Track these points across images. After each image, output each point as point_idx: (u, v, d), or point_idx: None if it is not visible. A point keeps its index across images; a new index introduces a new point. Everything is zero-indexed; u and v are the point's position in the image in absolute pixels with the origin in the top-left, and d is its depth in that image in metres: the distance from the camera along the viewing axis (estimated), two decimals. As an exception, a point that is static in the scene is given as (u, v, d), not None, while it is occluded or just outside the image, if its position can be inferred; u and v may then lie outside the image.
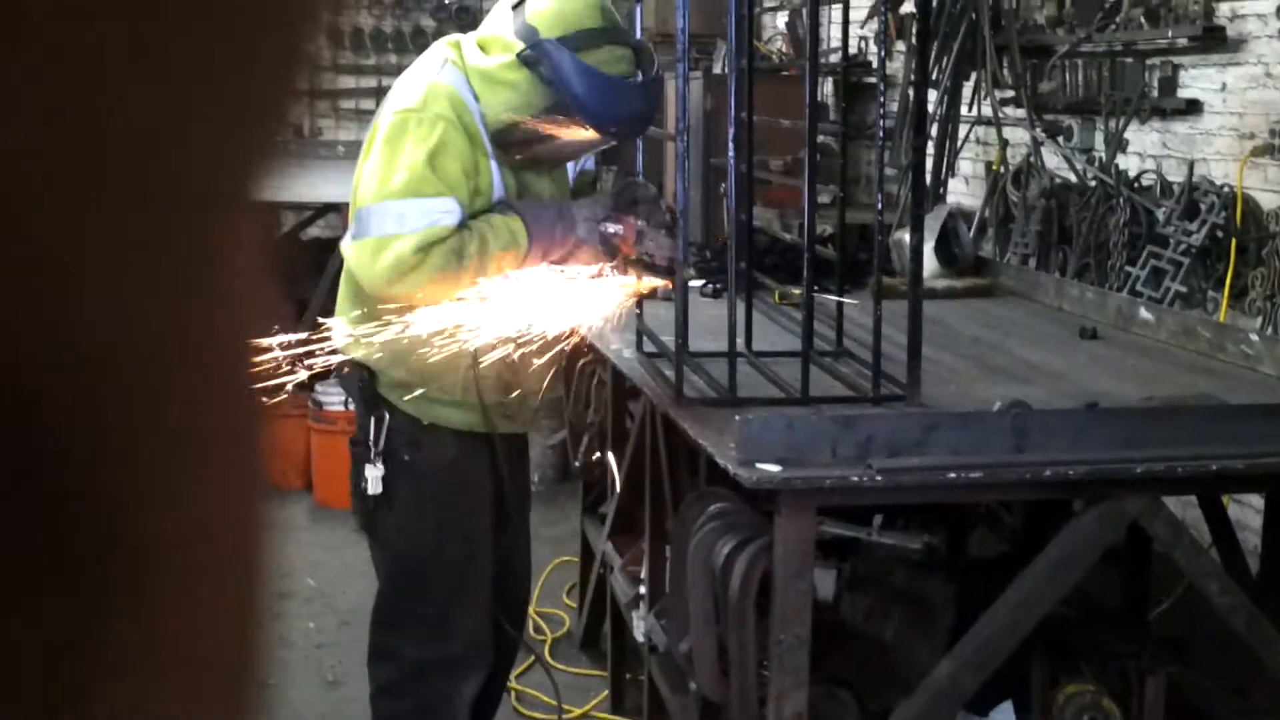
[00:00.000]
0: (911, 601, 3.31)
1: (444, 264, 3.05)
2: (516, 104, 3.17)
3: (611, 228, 3.25)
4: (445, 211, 3.08)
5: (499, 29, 3.24)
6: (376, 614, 3.53)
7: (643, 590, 4.07)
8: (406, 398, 3.29)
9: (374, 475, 3.32)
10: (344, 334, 3.25)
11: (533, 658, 5.12)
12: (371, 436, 3.32)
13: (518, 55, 3.15)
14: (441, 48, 3.32)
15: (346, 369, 3.37)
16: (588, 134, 3.20)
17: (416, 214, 3.05)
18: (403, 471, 3.35)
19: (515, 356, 3.16)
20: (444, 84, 3.17)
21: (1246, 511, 5.22)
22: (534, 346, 3.14)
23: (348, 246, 3.17)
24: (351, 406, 3.49)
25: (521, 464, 3.73)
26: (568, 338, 3.22)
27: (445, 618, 3.42)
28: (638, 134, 3.39)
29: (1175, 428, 2.81)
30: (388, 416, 3.31)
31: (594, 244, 3.25)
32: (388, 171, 3.09)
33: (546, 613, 5.53)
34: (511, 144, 3.24)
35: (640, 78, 3.20)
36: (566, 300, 3.20)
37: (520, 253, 3.16)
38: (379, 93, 12.13)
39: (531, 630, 5.34)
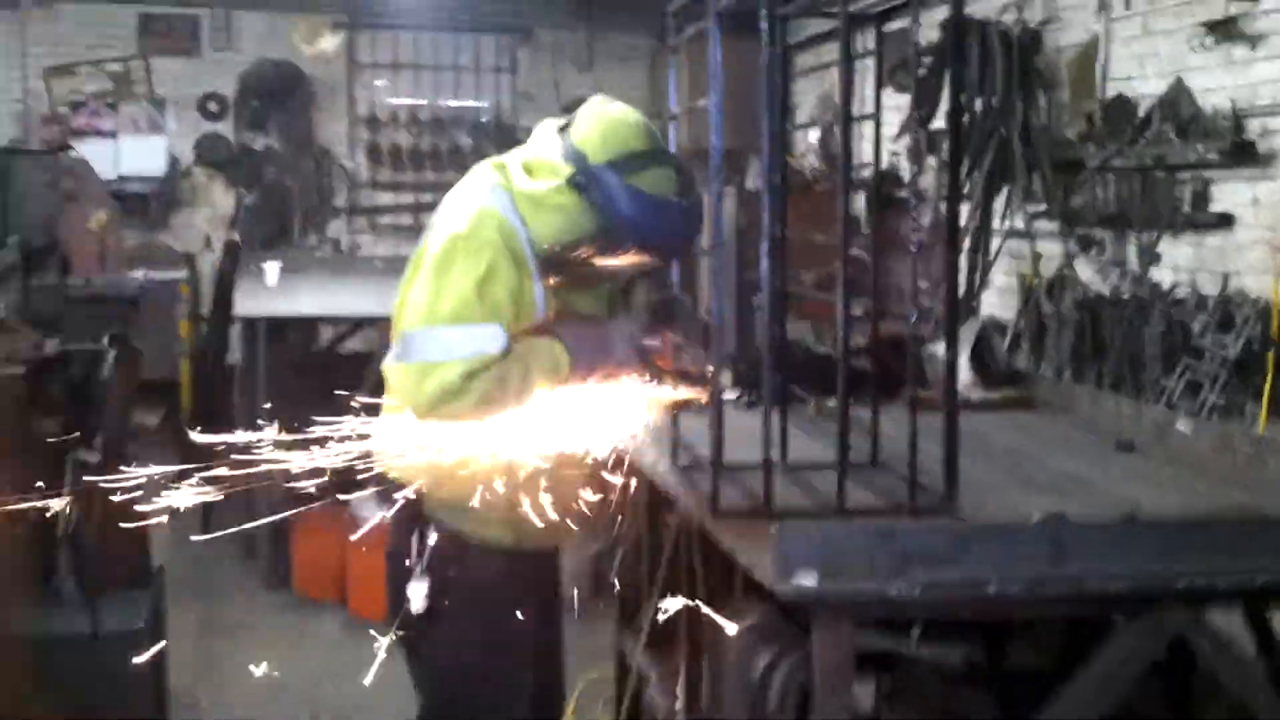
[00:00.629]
0: (951, 716, 3.27)
1: (488, 391, 3.06)
2: (565, 228, 3.18)
3: (649, 343, 3.27)
4: (491, 338, 3.09)
5: (545, 152, 3.25)
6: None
7: (679, 705, 4.03)
8: (449, 518, 3.27)
9: (417, 593, 3.29)
10: (387, 454, 3.25)
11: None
12: (415, 553, 3.29)
13: (567, 180, 3.16)
14: (487, 170, 3.32)
15: (387, 486, 3.36)
16: (633, 256, 3.22)
17: (463, 341, 3.06)
18: (447, 589, 3.31)
19: (555, 473, 3.16)
20: (492, 208, 3.18)
21: (1290, 626, 5.14)
22: (574, 463, 3.15)
23: (391, 368, 3.17)
24: (388, 519, 3.47)
25: (555, 576, 3.71)
26: (611, 461, 3.21)
27: None
28: (683, 254, 3.41)
29: (1216, 540, 2.78)
30: (432, 533, 3.28)
31: (633, 362, 3.26)
32: (435, 297, 3.10)
33: (581, 728, 5.47)
34: (557, 266, 3.24)
35: (683, 198, 3.22)
36: (605, 416, 3.21)
37: (562, 376, 3.18)
38: (416, 209, 12.29)
39: (566, 746, 5.28)
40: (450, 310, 3.08)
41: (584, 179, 3.15)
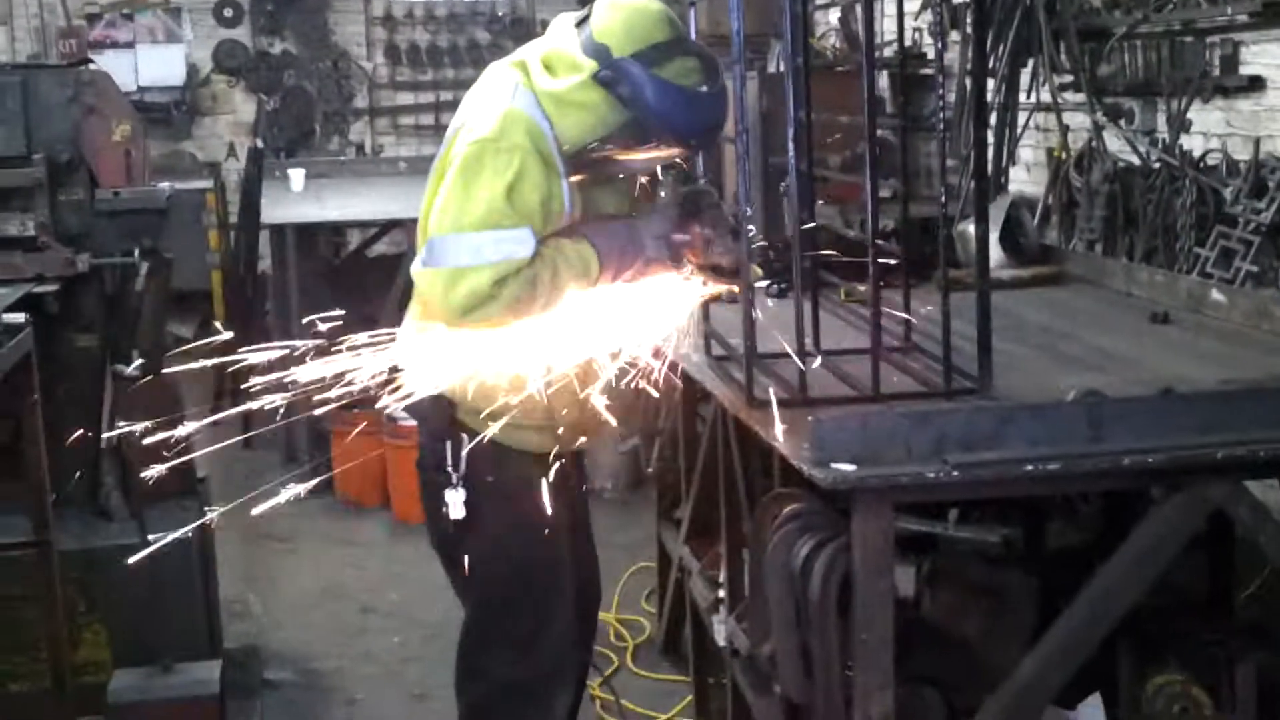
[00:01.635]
0: (992, 597, 3.30)
1: (518, 295, 3.05)
2: (592, 124, 3.13)
3: (678, 237, 3.25)
4: (520, 243, 3.06)
5: (564, 46, 3.19)
6: (466, 636, 3.51)
7: (722, 594, 4.07)
8: (484, 425, 3.27)
9: (455, 500, 3.28)
10: (418, 363, 3.26)
11: (616, 664, 5.14)
12: (450, 461, 3.29)
13: (593, 76, 3.11)
14: (507, 69, 3.26)
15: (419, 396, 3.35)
16: (661, 149, 3.18)
17: (493, 246, 3.03)
18: (486, 494, 3.31)
19: (587, 373, 3.17)
20: (519, 110, 3.12)
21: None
22: (610, 364, 3.15)
23: (419, 273, 3.15)
24: (421, 427, 3.48)
25: (581, 473, 3.73)
26: (646, 363, 3.21)
27: (534, 637, 3.41)
28: (712, 144, 3.37)
29: (1255, 410, 2.78)
30: (465, 439, 3.27)
31: (663, 259, 3.24)
32: (464, 202, 3.06)
33: (627, 619, 5.54)
34: (584, 164, 3.20)
35: (708, 87, 3.16)
36: (640, 313, 3.20)
37: (592, 278, 3.16)
38: (437, 108, 12.22)
39: (612, 637, 5.35)
40: (480, 216, 3.04)
41: (609, 73, 3.09)
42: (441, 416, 3.31)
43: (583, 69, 3.13)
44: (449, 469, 3.29)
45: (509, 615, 3.41)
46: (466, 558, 3.39)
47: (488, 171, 3.07)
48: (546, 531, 3.38)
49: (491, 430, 3.19)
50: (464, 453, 3.27)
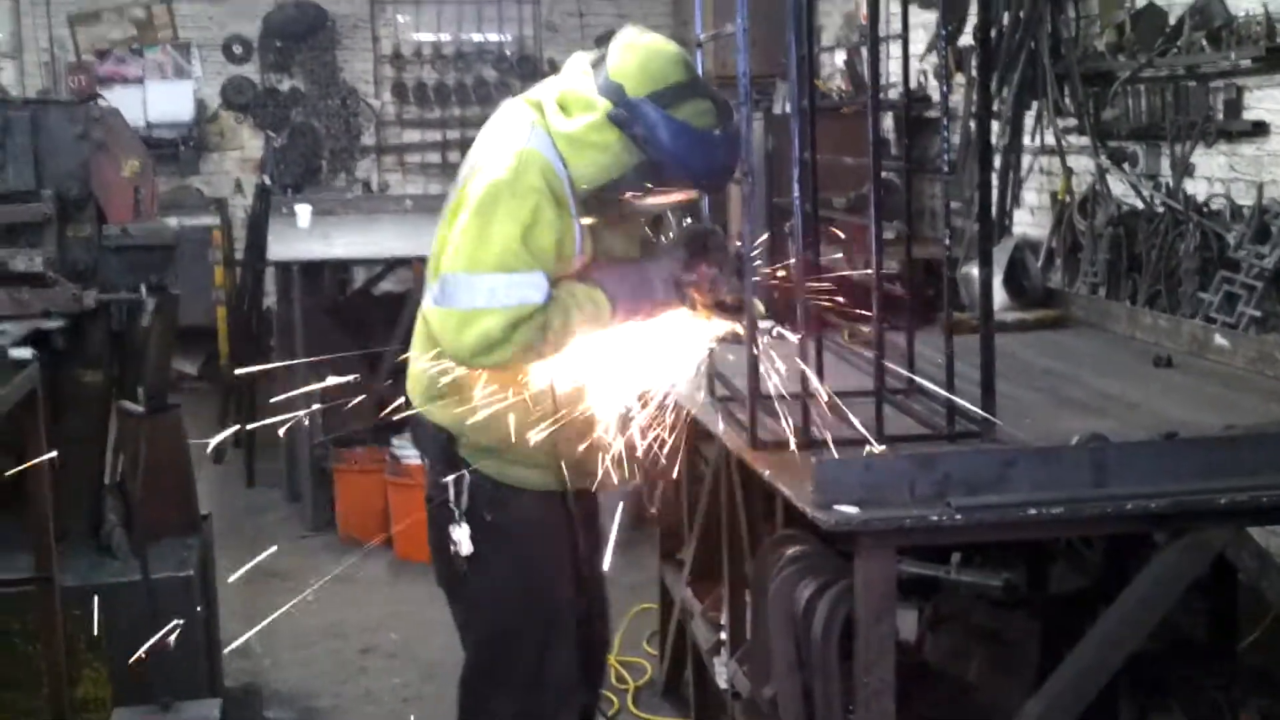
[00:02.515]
0: (995, 640, 3.29)
1: (530, 340, 3.05)
2: (606, 165, 3.14)
3: (686, 278, 3.26)
4: (534, 287, 3.06)
5: (579, 86, 3.19)
6: (468, 674, 3.51)
7: (724, 636, 4.06)
8: (485, 462, 3.29)
9: (462, 536, 3.29)
10: (423, 399, 3.28)
11: (617, 706, 5.12)
12: (453, 497, 3.30)
13: (609, 116, 3.12)
14: (523, 107, 3.26)
15: (423, 429, 3.38)
16: (673, 190, 3.19)
17: (506, 289, 3.03)
18: (487, 531, 3.32)
19: (590, 413, 3.18)
20: (534, 150, 3.12)
21: (1333, 536, 5.14)
22: (615, 406, 3.16)
23: (431, 311, 3.15)
24: (426, 463, 3.49)
25: (594, 514, 3.73)
26: (657, 403, 3.23)
27: (537, 676, 3.41)
28: (724, 186, 3.38)
29: (1258, 456, 2.78)
30: (468, 476, 3.29)
31: (672, 300, 3.25)
32: (480, 243, 3.06)
33: (628, 661, 5.52)
34: (596, 205, 3.21)
35: (721, 129, 3.17)
36: (649, 355, 3.21)
37: (604, 322, 3.16)
38: (444, 146, 12.27)
39: (614, 679, 5.33)
40: (495, 258, 3.04)
41: (624, 112, 3.10)
42: (447, 451, 3.32)
43: (597, 108, 3.13)
44: (452, 505, 3.29)
45: (511, 654, 3.40)
46: (469, 595, 3.39)
47: (503, 213, 3.06)
48: (549, 569, 3.38)
49: (486, 465, 3.21)
50: (465, 488, 3.27)
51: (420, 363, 3.35)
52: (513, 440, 3.17)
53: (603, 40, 3.35)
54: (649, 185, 3.16)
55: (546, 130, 3.17)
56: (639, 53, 3.17)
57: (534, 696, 3.41)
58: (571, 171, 3.15)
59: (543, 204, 3.08)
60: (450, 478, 3.32)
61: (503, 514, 3.32)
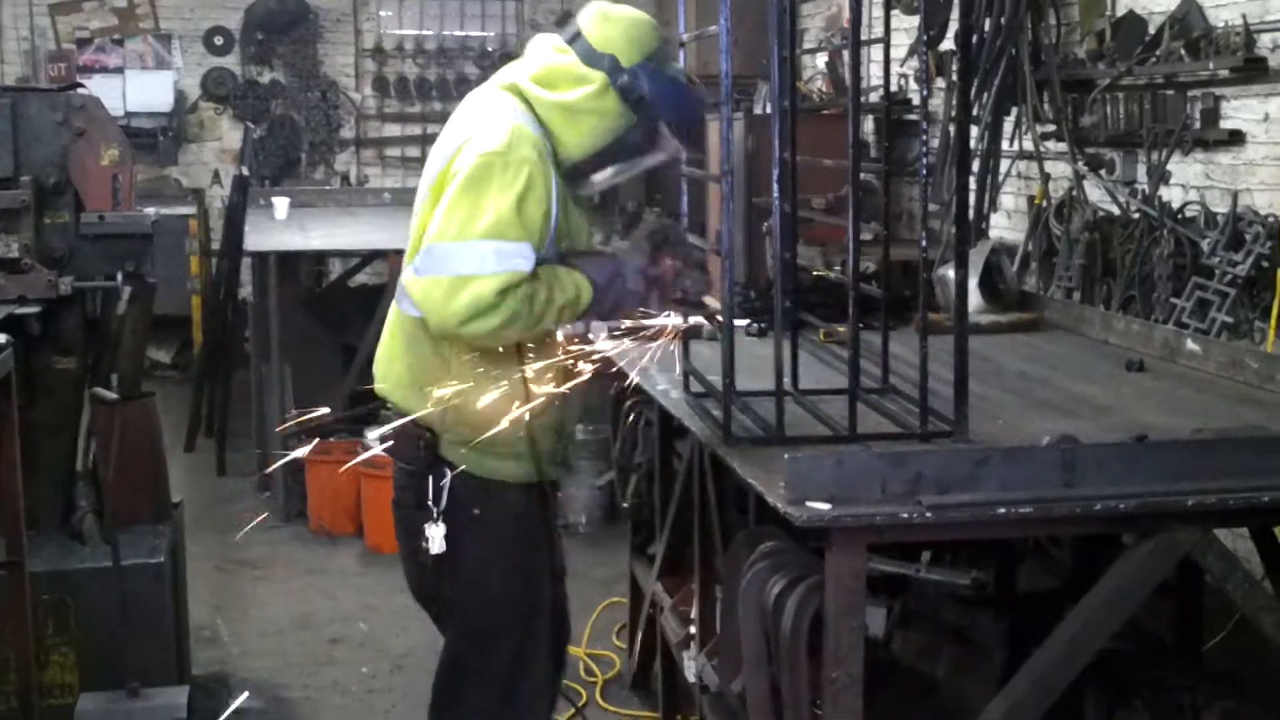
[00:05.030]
0: (962, 638, 3.31)
1: (517, 310, 3.05)
2: (604, 130, 3.21)
3: (652, 271, 3.28)
4: (523, 257, 3.08)
5: (560, 62, 3.26)
6: (444, 668, 3.48)
7: (693, 630, 4.08)
8: (467, 455, 3.27)
9: (436, 534, 3.26)
10: (403, 392, 3.27)
11: (585, 698, 5.13)
12: (431, 496, 3.27)
13: (611, 84, 3.20)
14: (498, 92, 3.31)
15: (402, 432, 3.34)
16: (653, 153, 3.31)
17: (497, 257, 3.04)
18: (469, 527, 3.30)
19: (561, 401, 3.19)
20: (524, 126, 3.17)
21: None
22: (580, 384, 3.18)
23: (414, 280, 3.14)
24: (400, 468, 3.42)
25: (554, 507, 3.74)
26: (608, 370, 3.25)
27: (515, 669, 3.41)
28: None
29: (1226, 460, 2.80)
30: (448, 474, 3.27)
31: (643, 293, 3.28)
32: (471, 211, 3.07)
33: (597, 654, 5.53)
34: (577, 177, 3.28)
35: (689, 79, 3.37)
36: (612, 343, 3.23)
37: (582, 306, 3.19)
38: (424, 140, 12.25)
39: (582, 672, 5.35)
40: (487, 226, 3.05)
41: (627, 79, 3.20)
42: (423, 452, 3.31)
43: (592, 79, 3.21)
44: (430, 504, 3.27)
45: (488, 648, 3.40)
46: (448, 592, 3.38)
47: (496, 183, 3.08)
48: (529, 563, 3.39)
49: (468, 458, 3.21)
50: (445, 486, 3.26)
51: (400, 359, 3.35)
52: (492, 429, 3.17)
53: (563, 21, 3.39)
54: (634, 147, 3.26)
55: (530, 108, 3.22)
56: (621, 24, 3.27)
57: (508, 693, 3.41)
58: (563, 141, 3.21)
59: (535, 176, 3.11)
60: (429, 477, 3.28)
61: (487, 508, 3.31)
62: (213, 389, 8.91)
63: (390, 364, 3.39)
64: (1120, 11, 6.66)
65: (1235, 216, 5.75)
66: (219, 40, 12.12)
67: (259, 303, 8.17)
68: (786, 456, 2.74)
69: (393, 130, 12.52)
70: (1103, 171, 6.68)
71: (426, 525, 3.28)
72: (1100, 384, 3.85)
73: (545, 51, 3.32)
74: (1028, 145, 7.09)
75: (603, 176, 3.33)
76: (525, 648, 3.42)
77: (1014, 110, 7.10)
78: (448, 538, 3.28)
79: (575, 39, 3.27)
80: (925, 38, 4.86)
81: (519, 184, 3.09)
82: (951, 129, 6.83)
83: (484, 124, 3.20)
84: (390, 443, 3.38)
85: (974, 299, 4.73)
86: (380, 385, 3.42)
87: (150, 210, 4.87)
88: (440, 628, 3.53)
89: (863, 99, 3.31)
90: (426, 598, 3.50)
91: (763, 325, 4.30)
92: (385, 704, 5.23)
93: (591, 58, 3.22)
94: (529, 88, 3.25)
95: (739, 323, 3.75)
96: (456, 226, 3.07)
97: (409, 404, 3.31)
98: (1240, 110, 5.90)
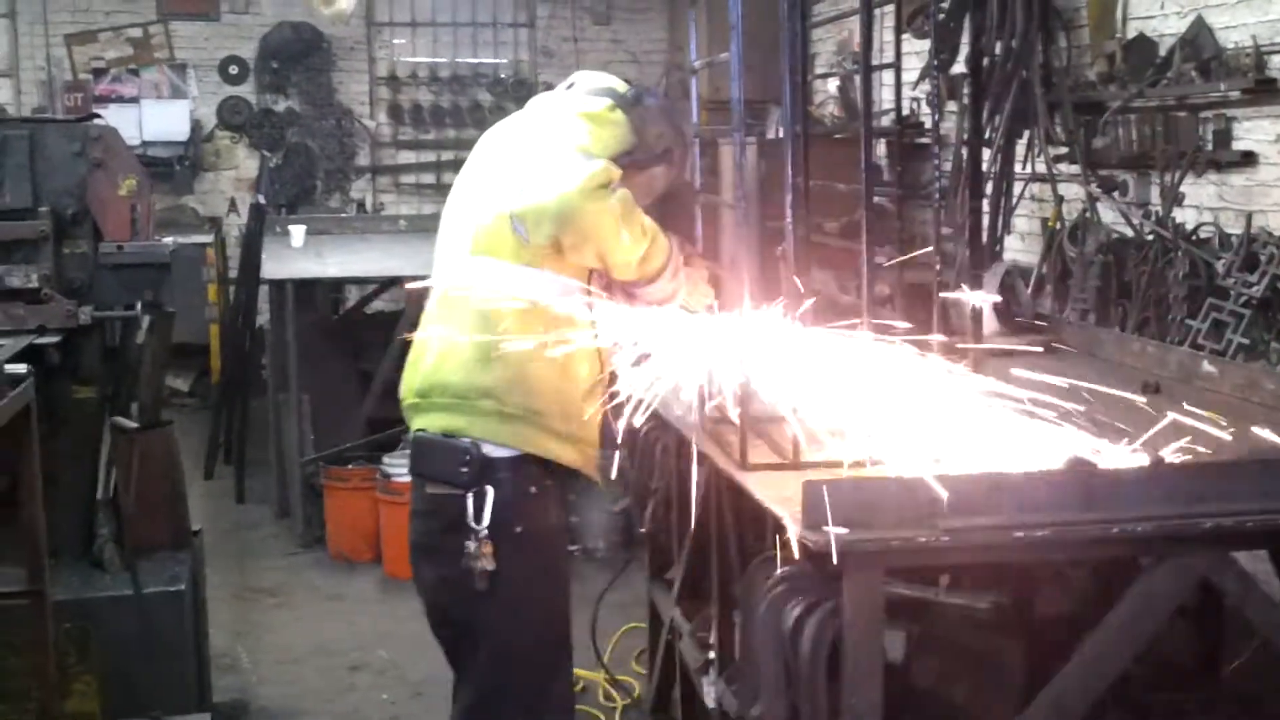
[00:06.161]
0: (981, 662, 3.30)
1: (629, 207, 3.24)
2: (620, 139, 3.40)
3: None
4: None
5: (571, 103, 3.46)
6: (477, 695, 3.44)
7: (712, 655, 4.07)
8: (523, 431, 3.30)
9: (486, 552, 3.25)
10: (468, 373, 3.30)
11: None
12: (471, 514, 3.27)
13: (619, 101, 3.42)
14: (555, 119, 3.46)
15: (440, 446, 3.34)
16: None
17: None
18: (514, 545, 3.29)
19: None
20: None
21: (1319, 563, 5.16)
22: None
23: (520, 210, 3.23)
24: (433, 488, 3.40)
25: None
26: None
27: (546, 686, 3.42)
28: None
29: (1243, 482, 2.80)
30: (490, 491, 3.29)
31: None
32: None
33: (617, 680, 5.53)
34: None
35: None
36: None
37: (704, 303, 3.42)
38: (438, 167, 12.31)
39: (601, 697, 5.35)
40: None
41: (636, 91, 3.47)
42: (466, 466, 3.30)
43: (596, 102, 3.43)
44: (471, 523, 3.27)
45: (524, 668, 3.39)
46: (484, 617, 3.36)
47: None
48: (565, 577, 3.45)
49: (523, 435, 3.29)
50: (488, 503, 3.26)
51: (466, 348, 3.32)
52: (555, 404, 3.29)
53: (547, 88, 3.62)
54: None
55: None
56: (602, 76, 3.58)
57: (540, 711, 3.42)
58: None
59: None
60: (469, 495, 3.28)
61: (530, 523, 3.32)
62: (230, 416, 8.94)
63: (447, 358, 3.36)
64: (1131, 34, 6.68)
65: (1249, 238, 5.75)
66: (234, 69, 12.19)
67: (276, 330, 8.20)
68: (803, 481, 2.75)
69: (408, 157, 12.57)
70: (1116, 193, 6.69)
71: (469, 543, 3.26)
72: (1116, 406, 3.84)
73: (552, 104, 3.52)
74: (1040, 168, 7.10)
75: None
76: (558, 664, 3.45)
77: (1026, 133, 7.11)
78: (494, 555, 3.28)
79: (571, 85, 3.54)
80: (936, 62, 4.89)
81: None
82: (964, 152, 6.85)
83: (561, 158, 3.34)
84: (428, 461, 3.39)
85: (989, 322, 4.74)
86: (420, 399, 3.41)
87: (168, 240, 4.91)
88: (457, 656, 3.50)
89: (875, 123, 3.32)
90: (447, 624, 3.49)
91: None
92: (404, 730, 5.24)
93: (599, 91, 3.48)
94: (572, 114, 3.45)
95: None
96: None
97: (449, 421, 3.33)
98: (1252, 131, 5.90)
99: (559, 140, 3.31)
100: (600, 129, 3.38)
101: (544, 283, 3.26)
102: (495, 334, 3.26)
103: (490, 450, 3.31)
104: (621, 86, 3.53)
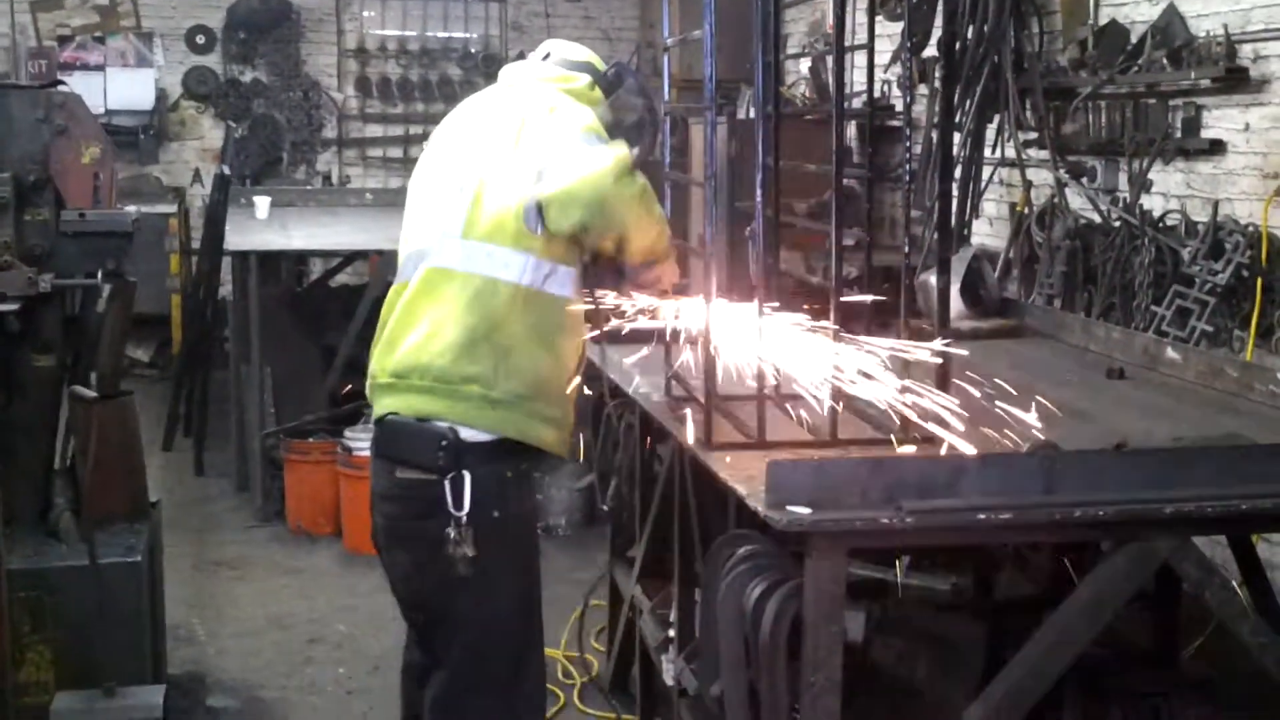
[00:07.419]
0: (941, 644, 3.31)
1: (647, 189, 3.25)
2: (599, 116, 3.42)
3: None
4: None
5: (548, 73, 3.47)
6: (449, 679, 3.41)
7: (672, 633, 4.07)
8: (509, 415, 3.27)
9: (468, 537, 3.21)
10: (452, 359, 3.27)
11: (563, 701, 5.13)
12: (451, 500, 3.23)
13: (598, 78, 3.46)
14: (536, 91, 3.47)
15: (416, 433, 3.29)
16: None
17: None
18: (492, 530, 3.26)
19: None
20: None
21: (1277, 551, 5.20)
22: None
23: (542, 196, 3.20)
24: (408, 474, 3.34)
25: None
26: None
27: (520, 670, 3.41)
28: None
29: (1204, 468, 2.81)
30: (468, 476, 3.24)
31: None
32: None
33: (575, 656, 5.52)
34: None
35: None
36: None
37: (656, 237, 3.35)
38: (406, 141, 12.24)
39: (560, 674, 5.34)
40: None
41: (616, 70, 3.53)
42: (443, 452, 3.24)
43: (577, 78, 3.46)
44: (451, 509, 3.22)
45: (499, 653, 3.38)
46: (462, 602, 3.33)
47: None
48: (533, 564, 3.43)
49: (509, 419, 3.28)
50: (466, 489, 3.22)
51: (458, 322, 3.26)
52: (542, 387, 3.29)
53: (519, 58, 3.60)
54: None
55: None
56: (578, 45, 3.61)
57: (513, 694, 3.40)
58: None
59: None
60: (446, 481, 3.23)
61: (509, 508, 3.30)
62: (191, 388, 8.88)
63: (430, 340, 3.28)
64: (1103, 20, 6.69)
65: (1216, 225, 5.77)
66: (201, 39, 12.08)
67: (239, 302, 8.14)
68: (767, 461, 2.74)
69: (375, 131, 12.49)
70: (1084, 179, 6.70)
71: (450, 530, 3.22)
72: (1080, 391, 3.86)
73: (525, 72, 3.54)
74: (1010, 153, 7.11)
75: None
76: (530, 646, 3.44)
77: (996, 117, 7.11)
78: (475, 544, 3.24)
79: (546, 57, 3.56)
80: (909, 44, 4.87)
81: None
82: (934, 135, 6.85)
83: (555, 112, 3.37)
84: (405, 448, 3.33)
85: (955, 305, 4.74)
86: (395, 379, 3.34)
87: (131, 208, 4.86)
88: (431, 639, 3.46)
89: (846, 105, 3.31)
90: (421, 609, 3.47)
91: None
92: (362, 705, 5.22)
93: (574, 66, 3.51)
94: (549, 85, 3.48)
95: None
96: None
97: (427, 404, 3.28)
98: (1221, 120, 5.92)
99: (565, 122, 3.28)
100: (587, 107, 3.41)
101: (541, 269, 3.25)
102: (488, 319, 3.23)
103: (468, 435, 3.27)
104: (600, 63, 3.54)
